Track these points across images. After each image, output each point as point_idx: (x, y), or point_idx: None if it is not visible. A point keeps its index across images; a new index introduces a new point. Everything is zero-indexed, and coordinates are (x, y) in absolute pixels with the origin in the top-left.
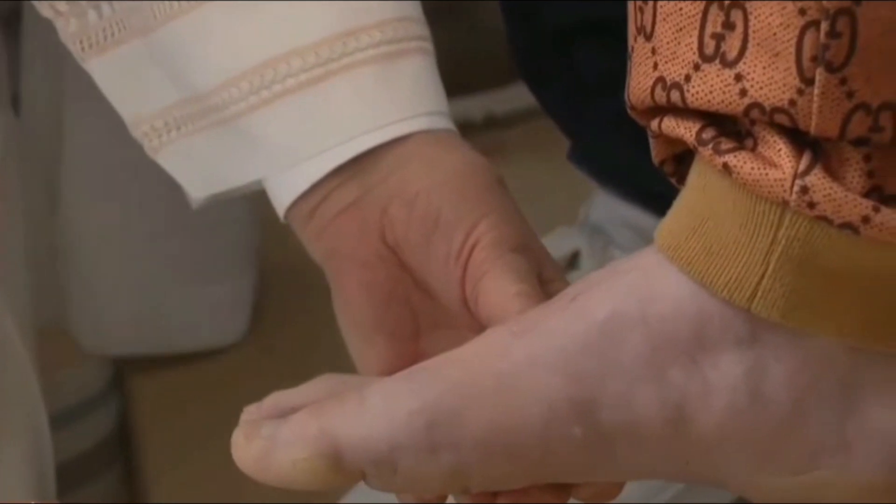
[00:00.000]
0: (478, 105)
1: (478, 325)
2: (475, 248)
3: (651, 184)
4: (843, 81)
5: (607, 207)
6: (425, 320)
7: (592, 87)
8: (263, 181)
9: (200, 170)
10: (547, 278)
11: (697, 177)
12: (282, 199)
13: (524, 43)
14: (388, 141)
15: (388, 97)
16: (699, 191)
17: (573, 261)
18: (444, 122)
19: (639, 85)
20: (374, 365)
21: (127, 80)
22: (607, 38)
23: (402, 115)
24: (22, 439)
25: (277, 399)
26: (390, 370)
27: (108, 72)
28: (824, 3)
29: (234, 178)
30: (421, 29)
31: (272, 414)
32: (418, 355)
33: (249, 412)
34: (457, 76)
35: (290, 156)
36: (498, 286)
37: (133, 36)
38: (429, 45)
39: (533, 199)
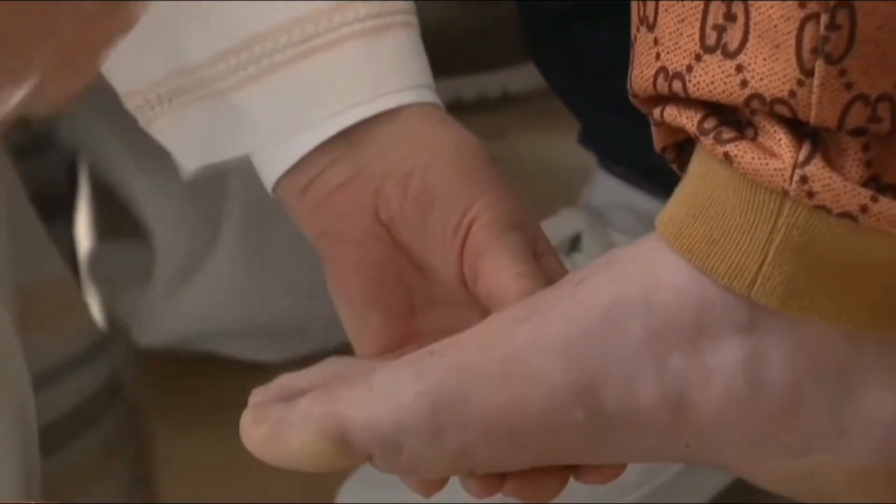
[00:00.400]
0: (494, 82)
1: (474, 302)
2: (473, 226)
3: (658, 164)
4: (842, 73)
5: (608, 190)
6: (420, 298)
7: (598, 68)
8: (251, 155)
9: (192, 141)
10: (540, 253)
11: (698, 165)
12: (269, 173)
13: (531, 24)
14: (378, 117)
15: (373, 72)
16: (700, 179)
17: (575, 243)
18: (430, 96)
19: (641, 74)
20: (369, 342)
21: (120, 53)
22: (612, 19)
23: (388, 89)
24: (9, 436)
25: (285, 382)
26: (385, 348)
27: None
28: None
29: (224, 151)
30: (404, 3)
31: (279, 397)
32: (413, 333)
33: (257, 395)
34: (474, 52)
35: (277, 131)
36: (498, 266)
37: None
38: (413, 19)
39: (536, 181)
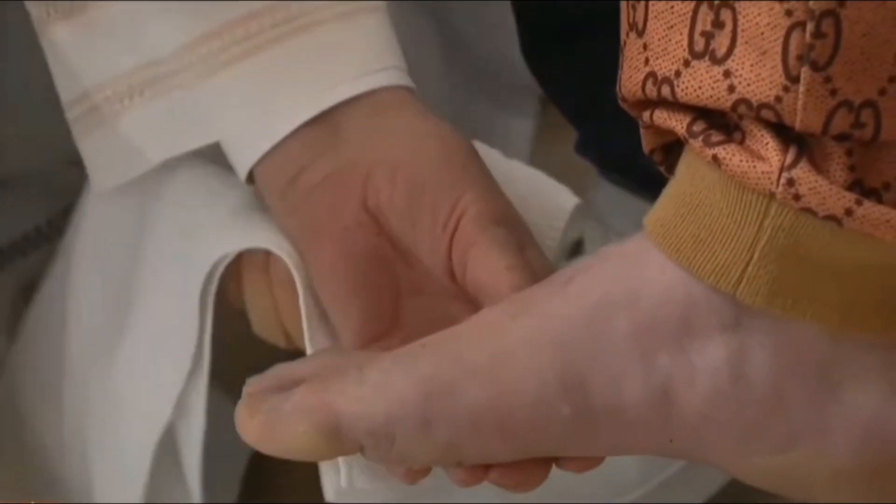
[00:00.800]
0: None
1: (458, 293)
2: (462, 220)
3: (654, 172)
4: (827, 80)
5: (610, 197)
6: (404, 286)
7: (595, 78)
8: (224, 145)
9: (161, 132)
10: (524, 245)
11: (687, 167)
12: (244, 161)
13: (529, 33)
14: (359, 107)
15: (344, 55)
16: (688, 180)
17: (577, 248)
18: (403, 78)
19: (630, 79)
20: (353, 331)
21: (90, 46)
22: (610, 30)
23: (360, 72)
24: None
25: (279, 372)
26: (369, 337)
27: (72, 37)
28: (810, 4)
29: (194, 139)
30: None
31: (274, 387)
32: (396, 322)
33: (251, 385)
34: None
35: (249, 116)
36: (488, 259)
37: (97, 2)
38: (380, 3)
39: None
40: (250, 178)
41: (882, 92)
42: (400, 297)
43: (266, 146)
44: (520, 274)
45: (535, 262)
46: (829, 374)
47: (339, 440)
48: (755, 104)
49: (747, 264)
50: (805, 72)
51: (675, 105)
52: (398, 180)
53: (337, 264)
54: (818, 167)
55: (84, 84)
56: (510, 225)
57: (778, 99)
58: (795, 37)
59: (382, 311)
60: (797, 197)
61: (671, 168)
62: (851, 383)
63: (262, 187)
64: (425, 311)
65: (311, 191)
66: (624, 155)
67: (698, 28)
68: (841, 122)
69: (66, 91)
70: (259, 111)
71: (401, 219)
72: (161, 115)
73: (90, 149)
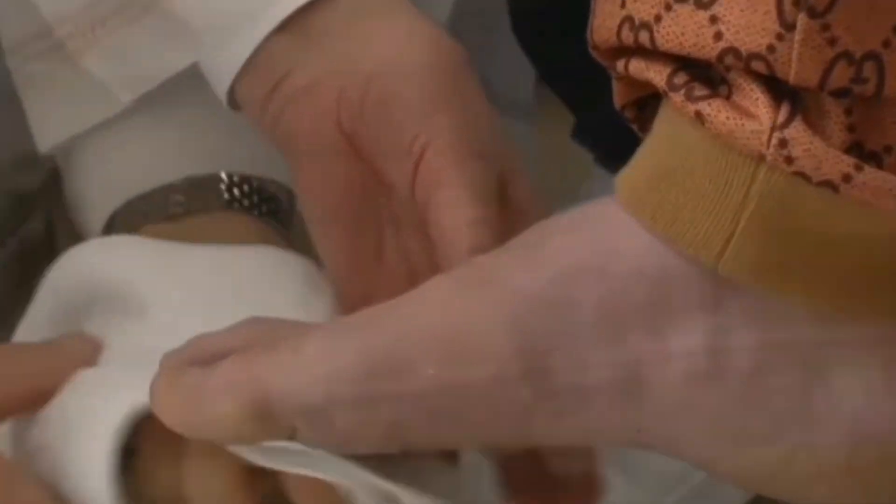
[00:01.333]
0: None
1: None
2: (428, 148)
3: None
4: (825, 27)
5: (607, 185)
6: (385, 215)
7: (597, 63)
8: (203, 68)
9: (129, 66)
10: (504, 181)
11: (665, 125)
12: (222, 80)
13: (523, 16)
14: (342, 9)
15: None
16: (666, 140)
17: None
18: None
19: (604, 24)
20: (336, 256)
21: None
22: None
23: None
24: None
25: (202, 343)
26: (353, 263)
27: None
28: None
29: (166, 67)
30: None
31: (195, 360)
32: (381, 249)
33: (170, 357)
34: None
35: (220, 31)
36: (452, 206)
37: None
38: None
39: (534, 177)
40: (234, 103)
41: (886, 44)
42: (382, 228)
43: (238, 62)
44: (484, 229)
45: (520, 199)
46: (817, 361)
47: (270, 421)
48: (745, 54)
49: (731, 235)
50: (802, 18)
51: (655, 54)
52: (368, 96)
53: (317, 188)
54: (814, 126)
55: (48, 16)
56: (490, 159)
57: (770, 48)
58: None
59: (363, 239)
60: (790, 160)
61: (644, 127)
62: (841, 372)
63: (245, 106)
64: (405, 242)
65: (286, 106)
66: (622, 143)
67: None
68: (840, 76)
69: (11, 32)
70: (226, 25)
71: (371, 140)
72: (129, 46)
73: (36, 99)
